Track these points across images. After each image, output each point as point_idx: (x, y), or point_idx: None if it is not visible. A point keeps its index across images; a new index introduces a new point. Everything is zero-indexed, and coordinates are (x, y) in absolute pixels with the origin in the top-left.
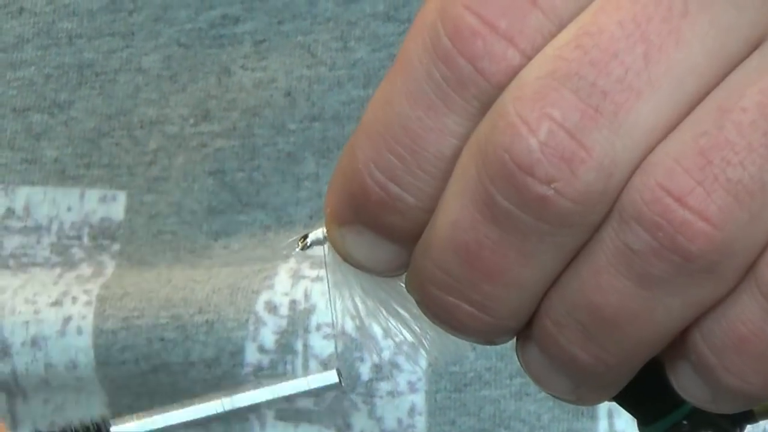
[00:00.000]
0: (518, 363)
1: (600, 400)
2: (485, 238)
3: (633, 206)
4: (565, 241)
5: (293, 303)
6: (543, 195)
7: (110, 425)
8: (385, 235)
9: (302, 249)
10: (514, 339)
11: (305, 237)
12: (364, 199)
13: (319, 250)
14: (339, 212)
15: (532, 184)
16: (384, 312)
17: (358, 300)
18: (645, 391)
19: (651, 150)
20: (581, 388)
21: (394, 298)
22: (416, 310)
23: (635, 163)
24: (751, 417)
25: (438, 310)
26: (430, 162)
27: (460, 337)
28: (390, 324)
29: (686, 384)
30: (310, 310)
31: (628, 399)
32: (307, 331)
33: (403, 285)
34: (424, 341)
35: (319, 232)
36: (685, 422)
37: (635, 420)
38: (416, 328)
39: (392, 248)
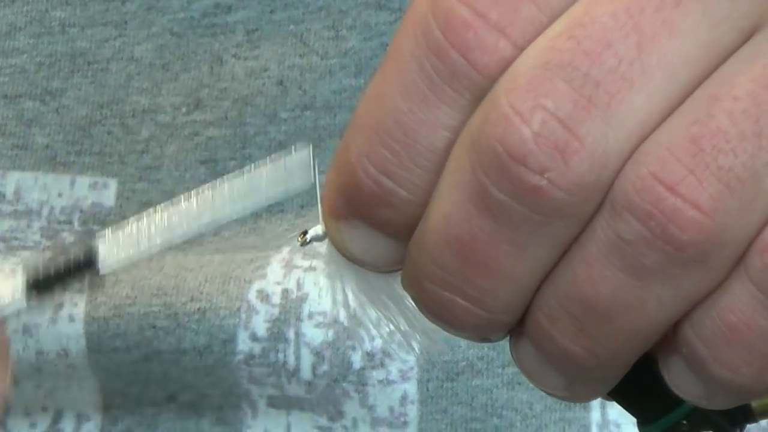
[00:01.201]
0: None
1: (593, 397)
2: (479, 230)
3: (625, 196)
4: (558, 232)
5: (285, 292)
6: (536, 185)
7: (97, 257)
8: (380, 230)
9: (302, 245)
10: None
11: (305, 233)
12: (358, 194)
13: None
14: (335, 206)
15: (525, 174)
16: (380, 312)
17: (353, 298)
18: (644, 390)
19: (643, 140)
20: (574, 384)
21: (390, 297)
22: (411, 312)
23: (628, 152)
24: (750, 416)
25: (433, 306)
26: (422, 155)
27: (455, 333)
28: (385, 324)
29: (679, 379)
30: (302, 299)
31: (627, 398)
32: (299, 319)
33: (399, 284)
34: (416, 343)
35: (318, 228)
36: (684, 422)
37: (635, 419)
38: (411, 329)
39: (388, 242)
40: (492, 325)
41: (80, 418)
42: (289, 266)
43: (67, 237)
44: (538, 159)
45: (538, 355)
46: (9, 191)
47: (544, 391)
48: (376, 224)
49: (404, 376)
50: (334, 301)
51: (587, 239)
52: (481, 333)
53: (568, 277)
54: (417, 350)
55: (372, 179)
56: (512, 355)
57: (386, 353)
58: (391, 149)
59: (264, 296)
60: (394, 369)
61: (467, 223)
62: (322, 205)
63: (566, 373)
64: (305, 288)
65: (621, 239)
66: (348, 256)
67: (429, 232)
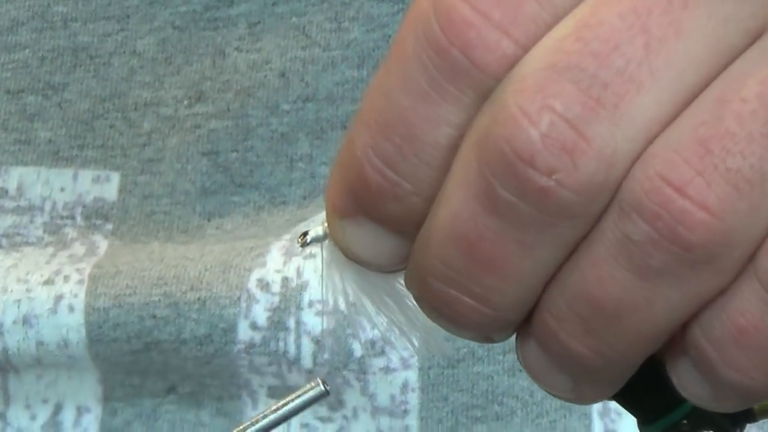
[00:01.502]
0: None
1: (600, 398)
2: (486, 229)
3: (633, 197)
4: (566, 232)
5: (285, 280)
6: (544, 186)
7: None
8: (384, 225)
9: (302, 246)
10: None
11: (305, 234)
12: (363, 187)
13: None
14: (339, 204)
15: (533, 175)
16: (381, 312)
17: (354, 299)
18: (645, 390)
19: (651, 141)
20: (581, 385)
21: (391, 297)
22: (412, 312)
23: (636, 154)
24: (751, 416)
25: (438, 304)
26: (426, 150)
27: (457, 333)
28: (385, 324)
29: (687, 382)
30: (302, 287)
31: (628, 398)
32: (299, 308)
33: (400, 284)
34: (417, 343)
35: (319, 230)
36: (685, 421)
37: (635, 419)
38: (411, 329)
39: (392, 239)
40: (497, 324)
41: (80, 410)
42: (288, 253)
43: (70, 233)
44: (545, 160)
45: (544, 356)
46: (12, 187)
47: (550, 393)
48: (381, 219)
49: (405, 364)
50: (335, 302)
51: (595, 240)
52: (486, 332)
53: (575, 278)
54: (417, 350)
55: (377, 171)
56: (518, 356)
57: (387, 340)
58: (394, 143)
59: (264, 285)
60: (394, 357)
61: (474, 221)
62: (325, 205)
63: (572, 374)
64: (305, 276)
65: (629, 240)
66: (351, 256)
67: (435, 230)
